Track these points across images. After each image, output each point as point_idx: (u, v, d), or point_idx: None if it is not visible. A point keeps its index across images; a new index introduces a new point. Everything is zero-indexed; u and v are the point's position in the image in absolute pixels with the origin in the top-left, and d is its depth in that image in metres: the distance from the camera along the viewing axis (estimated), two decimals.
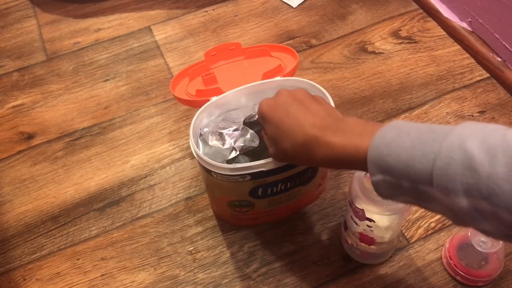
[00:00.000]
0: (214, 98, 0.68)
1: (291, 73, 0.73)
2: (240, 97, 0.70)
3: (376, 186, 0.45)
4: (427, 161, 0.40)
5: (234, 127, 0.67)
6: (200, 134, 0.67)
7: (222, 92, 0.69)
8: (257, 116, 0.62)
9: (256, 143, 0.65)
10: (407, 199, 0.44)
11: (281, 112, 0.54)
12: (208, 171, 0.64)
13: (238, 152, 0.65)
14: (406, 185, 0.42)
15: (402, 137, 0.42)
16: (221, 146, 0.66)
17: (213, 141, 0.66)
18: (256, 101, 0.70)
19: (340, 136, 0.48)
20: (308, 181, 0.70)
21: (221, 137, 0.66)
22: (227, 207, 0.71)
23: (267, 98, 0.58)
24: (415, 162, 0.40)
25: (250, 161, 0.66)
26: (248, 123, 0.67)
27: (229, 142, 0.66)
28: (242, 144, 0.66)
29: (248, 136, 0.66)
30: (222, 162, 0.66)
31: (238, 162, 0.67)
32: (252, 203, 0.69)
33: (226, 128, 0.67)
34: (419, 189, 0.41)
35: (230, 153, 0.66)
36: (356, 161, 0.47)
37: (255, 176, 0.63)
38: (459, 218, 0.40)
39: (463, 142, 0.38)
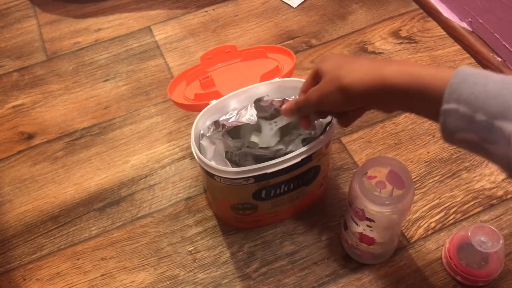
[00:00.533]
0: (213, 102, 0.68)
1: (289, 74, 0.73)
2: (239, 99, 0.69)
3: (445, 115, 0.42)
4: None
5: (230, 113, 0.66)
6: (202, 136, 0.67)
7: (221, 95, 0.69)
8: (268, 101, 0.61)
9: (252, 120, 0.64)
10: (470, 137, 0.42)
11: (348, 58, 0.54)
12: (211, 175, 0.63)
13: (226, 125, 0.63)
14: (481, 119, 0.40)
15: (489, 73, 0.41)
16: (216, 132, 0.65)
17: (211, 132, 0.66)
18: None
19: (416, 66, 0.46)
20: (310, 181, 0.70)
21: (216, 124, 0.66)
22: (230, 211, 0.71)
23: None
24: (502, 95, 0.39)
25: (251, 163, 0.66)
26: (258, 104, 0.65)
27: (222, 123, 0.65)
28: (233, 120, 0.64)
29: (246, 116, 0.64)
30: (225, 157, 0.66)
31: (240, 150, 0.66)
32: (255, 205, 0.69)
33: (223, 116, 0.66)
34: (494, 126, 0.40)
35: (222, 131, 0.65)
36: (430, 90, 0.44)
37: (258, 178, 0.63)
38: None
39: None
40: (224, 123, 0.64)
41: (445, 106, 0.42)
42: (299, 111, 0.59)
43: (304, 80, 0.67)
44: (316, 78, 0.56)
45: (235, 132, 0.67)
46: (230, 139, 0.65)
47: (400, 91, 0.47)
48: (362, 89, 0.49)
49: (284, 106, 0.61)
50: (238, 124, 0.64)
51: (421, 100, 0.45)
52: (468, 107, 0.41)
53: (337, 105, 0.53)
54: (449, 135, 0.44)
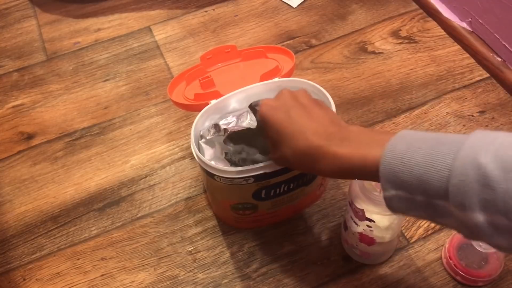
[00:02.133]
0: (213, 102, 0.68)
1: (289, 74, 0.73)
2: (239, 99, 0.69)
3: (389, 201, 0.44)
4: (441, 177, 0.39)
5: (230, 116, 0.66)
6: (201, 137, 0.67)
7: (220, 95, 0.69)
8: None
9: (253, 125, 0.63)
10: (420, 214, 0.43)
11: (282, 115, 0.53)
12: (211, 175, 0.63)
13: (229, 131, 0.63)
14: (420, 199, 0.41)
15: (413, 151, 0.42)
16: (217, 135, 0.65)
17: (211, 135, 0.66)
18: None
19: (346, 146, 0.47)
20: (310, 181, 0.70)
21: (216, 128, 0.66)
22: (230, 211, 0.71)
23: (268, 98, 0.57)
24: (429, 178, 0.40)
25: (251, 162, 0.66)
26: (253, 109, 0.65)
27: (223, 127, 0.65)
28: (234, 125, 0.64)
29: (247, 121, 0.64)
30: (224, 157, 0.66)
31: (239, 155, 0.66)
32: (255, 205, 0.69)
33: (223, 119, 0.66)
34: (433, 204, 0.41)
35: (223, 136, 0.65)
36: (364, 172, 0.46)
37: (258, 178, 0.63)
38: (473, 233, 0.40)
39: (476, 158, 0.37)
40: (226, 127, 0.64)
41: (385, 193, 0.44)
42: None
43: (304, 81, 0.68)
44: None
45: (236, 136, 0.67)
46: (231, 145, 0.66)
47: (333, 177, 0.52)
48: (296, 165, 0.54)
49: None
50: (240, 129, 0.64)
51: (359, 178, 0.49)
52: (406, 191, 0.42)
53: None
54: (399, 213, 0.45)
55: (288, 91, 0.56)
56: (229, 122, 0.65)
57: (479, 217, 0.37)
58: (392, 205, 0.44)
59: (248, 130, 0.64)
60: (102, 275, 0.73)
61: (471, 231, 0.39)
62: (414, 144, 0.42)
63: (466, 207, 0.38)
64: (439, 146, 0.41)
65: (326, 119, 0.52)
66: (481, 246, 0.63)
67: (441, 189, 0.39)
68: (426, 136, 0.43)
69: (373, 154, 0.44)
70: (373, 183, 0.64)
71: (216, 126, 0.66)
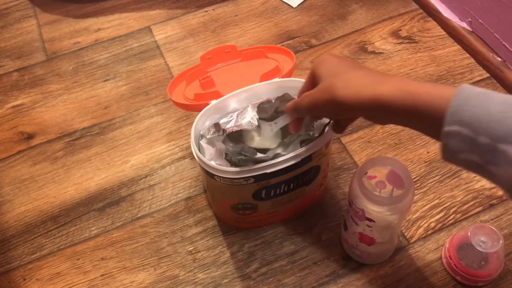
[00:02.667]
0: (213, 102, 0.68)
1: (289, 74, 0.73)
2: (239, 99, 0.69)
3: (447, 137, 0.42)
4: None
5: (230, 114, 0.66)
6: (201, 136, 0.67)
7: (220, 95, 0.69)
8: (271, 103, 0.62)
9: (253, 125, 0.63)
10: (472, 158, 0.42)
11: (344, 59, 0.53)
12: (211, 175, 0.63)
13: (227, 131, 0.63)
14: (483, 141, 0.40)
15: (491, 93, 0.41)
16: (216, 135, 0.65)
17: (211, 134, 0.66)
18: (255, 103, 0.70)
19: (413, 83, 0.45)
20: (310, 181, 0.70)
21: (217, 127, 0.65)
22: (230, 211, 0.71)
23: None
24: (505, 119, 0.39)
25: (251, 157, 0.65)
26: (261, 107, 0.65)
27: (223, 126, 0.64)
28: (233, 124, 0.63)
29: (247, 118, 0.64)
30: (224, 158, 0.65)
31: (238, 155, 0.66)
32: (255, 205, 0.69)
33: (223, 118, 0.66)
34: (497, 148, 0.39)
35: (222, 136, 0.64)
36: (428, 110, 0.43)
37: (258, 178, 0.63)
38: None
39: None
40: (225, 128, 0.64)
41: (447, 128, 0.42)
42: (296, 111, 0.58)
43: (304, 80, 0.67)
44: (313, 80, 0.55)
45: (235, 134, 0.67)
46: (230, 145, 0.65)
47: (397, 109, 0.46)
48: (356, 104, 0.48)
49: (288, 104, 0.60)
50: (238, 129, 0.63)
51: (418, 119, 0.45)
52: (470, 129, 0.40)
53: (329, 114, 0.54)
54: (450, 156, 0.43)
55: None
56: (229, 121, 0.65)
57: None
58: (449, 144, 0.42)
59: (248, 129, 0.64)
60: (102, 275, 0.73)
61: None
62: (490, 92, 0.41)
63: None
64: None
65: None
66: (481, 246, 0.64)
67: None
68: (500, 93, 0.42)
69: (443, 92, 0.43)
70: (373, 183, 0.64)
71: (216, 125, 0.66)
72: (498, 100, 0.40)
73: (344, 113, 0.51)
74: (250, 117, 0.63)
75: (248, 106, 0.65)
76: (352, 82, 0.49)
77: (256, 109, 0.64)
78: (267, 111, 0.65)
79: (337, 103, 0.49)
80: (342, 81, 0.50)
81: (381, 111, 0.47)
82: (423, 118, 0.44)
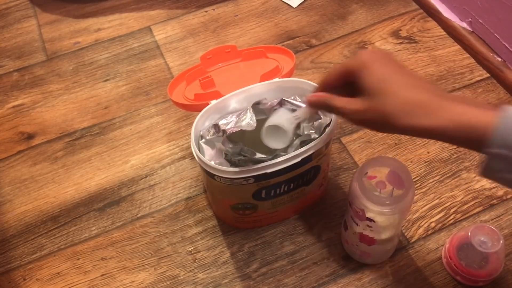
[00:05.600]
0: (213, 102, 0.68)
1: (289, 74, 0.73)
2: (239, 99, 0.69)
3: (491, 159, 0.44)
4: None
5: (230, 116, 0.66)
6: (201, 137, 0.67)
7: (221, 95, 0.69)
8: (267, 104, 0.61)
9: (252, 126, 0.62)
10: None
11: (391, 66, 0.49)
12: (211, 175, 0.63)
13: (227, 132, 0.62)
14: None
15: None
16: (216, 136, 0.65)
17: (211, 135, 0.66)
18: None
19: (458, 104, 0.46)
20: (310, 181, 0.70)
21: (216, 128, 0.65)
22: (230, 211, 0.71)
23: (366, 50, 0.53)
24: None
25: (251, 156, 0.65)
26: (256, 108, 0.64)
27: (223, 127, 0.64)
28: (233, 125, 0.63)
29: (246, 120, 0.63)
30: (224, 158, 0.65)
31: (237, 155, 0.66)
32: (255, 205, 0.69)
33: (223, 119, 0.66)
34: None
35: (222, 137, 0.64)
36: (470, 133, 0.44)
37: (258, 178, 0.63)
38: None
39: None
40: (224, 129, 0.64)
41: (491, 150, 0.43)
42: (327, 109, 0.55)
43: (304, 81, 0.67)
44: (346, 78, 0.52)
45: (236, 135, 0.67)
46: (230, 146, 0.66)
47: (447, 139, 0.47)
48: (410, 131, 0.48)
49: (312, 97, 0.55)
50: (238, 129, 0.63)
51: (460, 139, 0.46)
52: None
53: (376, 130, 0.52)
54: (490, 174, 0.45)
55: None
56: (229, 122, 0.65)
57: None
58: (492, 164, 0.44)
59: (247, 130, 0.64)
60: (102, 275, 0.73)
61: None
62: None
63: None
64: None
65: (430, 82, 0.50)
66: (481, 246, 0.63)
67: None
68: None
69: (485, 115, 0.44)
70: (373, 183, 0.64)
71: (216, 126, 0.65)
72: None
73: (393, 132, 0.50)
74: (249, 118, 0.63)
75: (248, 108, 0.65)
76: (408, 108, 0.47)
77: (252, 109, 0.64)
78: (266, 113, 0.66)
79: (390, 127, 0.48)
80: (396, 104, 0.47)
81: (430, 137, 0.48)
82: (466, 139, 0.45)
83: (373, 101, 0.48)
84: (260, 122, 0.65)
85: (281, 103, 0.65)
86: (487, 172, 0.45)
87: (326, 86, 0.54)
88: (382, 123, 0.48)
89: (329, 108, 0.54)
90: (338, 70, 0.52)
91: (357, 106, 0.50)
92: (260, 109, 0.66)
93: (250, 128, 0.62)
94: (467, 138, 0.45)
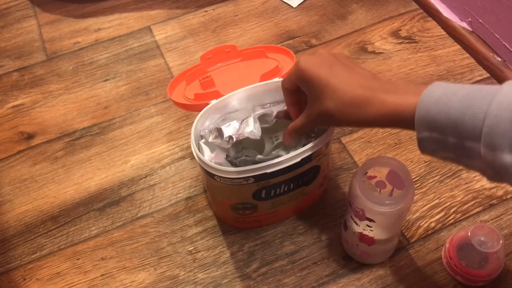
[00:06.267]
0: (213, 101, 0.68)
1: None
2: (239, 99, 0.69)
3: (421, 142, 0.47)
4: (477, 119, 0.41)
5: (234, 121, 0.66)
6: (201, 137, 0.67)
7: (220, 95, 0.68)
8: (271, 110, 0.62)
9: (257, 135, 0.63)
10: (448, 155, 0.46)
11: (324, 69, 0.53)
12: (211, 175, 0.63)
13: (235, 139, 0.63)
14: (452, 141, 0.44)
15: (450, 96, 0.44)
16: (219, 140, 0.65)
17: (213, 138, 0.66)
18: (255, 103, 0.70)
19: (392, 95, 0.49)
20: (310, 181, 0.70)
21: (219, 132, 0.65)
22: (230, 211, 0.71)
23: (305, 55, 0.57)
24: (464, 120, 0.42)
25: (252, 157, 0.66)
26: (262, 118, 0.66)
27: (227, 133, 0.65)
28: (239, 133, 0.64)
29: (249, 128, 0.64)
30: (225, 158, 0.66)
31: (239, 157, 0.66)
32: (255, 205, 0.69)
33: (226, 123, 0.66)
34: (464, 145, 0.43)
35: (228, 143, 0.64)
36: (399, 121, 0.48)
37: (258, 178, 0.63)
38: (499, 173, 0.42)
39: (511, 101, 0.41)
40: (231, 135, 0.64)
41: (419, 135, 0.46)
42: (299, 135, 0.62)
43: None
44: (298, 88, 0.57)
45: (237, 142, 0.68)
46: (234, 151, 0.66)
47: (378, 125, 0.51)
48: (352, 124, 0.53)
49: (286, 138, 0.62)
50: (244, 137, 0.64)
51: (395, 127, 0.50)
52: (439, 133, 0.45)
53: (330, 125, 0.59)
54: (428, 154, 0.48)
55: (326, 50, 0.57)
56: (232, 127, 0.65)
57: (508, 158, 0.40)
58: (424, 146, 0.47)
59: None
60: (102, 275, 0.73)
61: (497, 172, 0.42)
62: (450, 90, 0.45)
63: (496, 147, 0.40)
64: (475, 92, 0.44)
65: (368, 73, 0.53)
66: (481, 246, 0.63)
67: (475, 130, 0.42)
68: (462, 86, 0.45)
69: (410, 101, 0.47)
70: (373, 183, 0.64)
71: (219, 130, 0.65)
72: (456, 103, 0.43)
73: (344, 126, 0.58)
74: (253, 127, 0.64)
75: (251, 115, 0.65)
76: (344, 106, 0.51)
77: (257, 119, 0.64)
78: (269, 122, 0.66)
79: (338, 123, 0.54)
80: (335, 105, 0.52)
81: (371, 127, 0.55)
82: (401, 128, 0.49)
83: (315, 106, 0.54)
84: (264, 130, 0.65)
85: (286, 113, 0.65)
86: (425, 153, 0.48)
87: (290, 103, 0.61)
88: (332, 121, 0.55)
89: (298, 133, 0.61)
90: (287, 87, 0.59)
91: (304, 120, 0.57)
92: (264, 119, 0.66)
93: (254, 137, 0.63)
94: (398, 126, 0.49)
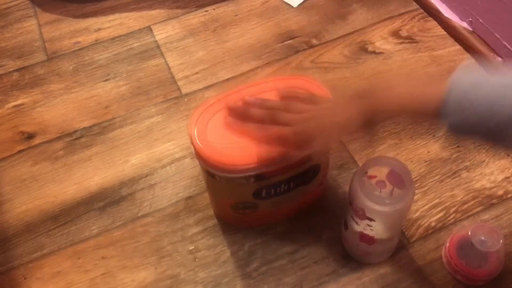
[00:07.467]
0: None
1: None
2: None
3: (452, 125, 0.46)
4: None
5: None
6: None
7: None
8: None
9: None
10: (477, 138, 0.47)
11: (312, 123, 0.56)
12: (211, 175, 0.63)
13: None
14: (489, 125, 0.44)
15: (479, 88, 0.44)
16: None
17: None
18: None
19: (403, 87, 0.50)
20: (310, 181, 0.70)
21: None
22: (230, 210, 0.71)
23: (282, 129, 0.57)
24: (495, 115, 0.43)
25: None
26: None
27: None
28: None
29: None
30: None
31: None
32: (256, 204, 0.69)
33: None
34: (500, 128, 0.43)
35: None
36: (424, 108, 0.47)
37: (258, 177, 0.63)
38: None
39: None
40: None
41: (451, 119, 0.46)
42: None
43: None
44: None
45: None
46: None
47: (393, 115, 0.52)
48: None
49: None
50: None
51: (414, 117, 0.52)
52: (472, 114, 0.44)
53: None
54: (460, 135, 0.47)
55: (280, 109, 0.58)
56: None
57: None
58: (456, 129, 0.46)
59: None
60: (103, 274, 0.73)
61: None
62: (477, 78, 0.45)
63: None
64: (504, 76, 0.44)
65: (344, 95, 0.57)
66: (481, 245, 0.64)
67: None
68: (486, 76, 0.46)
69: (434, 89, 0.46)
70: (374, 182, 0.64)
71: None
72: (482, 95, 0.43)
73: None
74: None
75: None
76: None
77: None
78: None
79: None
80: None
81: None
82: (420, 116, 0.50)
83: (327, 141, 0.60)
84: None
85: None
86: (457, 134, 0.47)
87: None
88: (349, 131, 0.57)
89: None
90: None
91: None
92: None
93: None
94: (414, 114, 0.51)
